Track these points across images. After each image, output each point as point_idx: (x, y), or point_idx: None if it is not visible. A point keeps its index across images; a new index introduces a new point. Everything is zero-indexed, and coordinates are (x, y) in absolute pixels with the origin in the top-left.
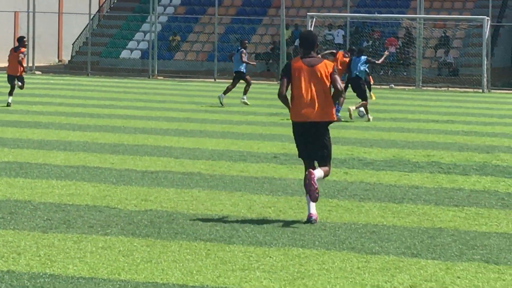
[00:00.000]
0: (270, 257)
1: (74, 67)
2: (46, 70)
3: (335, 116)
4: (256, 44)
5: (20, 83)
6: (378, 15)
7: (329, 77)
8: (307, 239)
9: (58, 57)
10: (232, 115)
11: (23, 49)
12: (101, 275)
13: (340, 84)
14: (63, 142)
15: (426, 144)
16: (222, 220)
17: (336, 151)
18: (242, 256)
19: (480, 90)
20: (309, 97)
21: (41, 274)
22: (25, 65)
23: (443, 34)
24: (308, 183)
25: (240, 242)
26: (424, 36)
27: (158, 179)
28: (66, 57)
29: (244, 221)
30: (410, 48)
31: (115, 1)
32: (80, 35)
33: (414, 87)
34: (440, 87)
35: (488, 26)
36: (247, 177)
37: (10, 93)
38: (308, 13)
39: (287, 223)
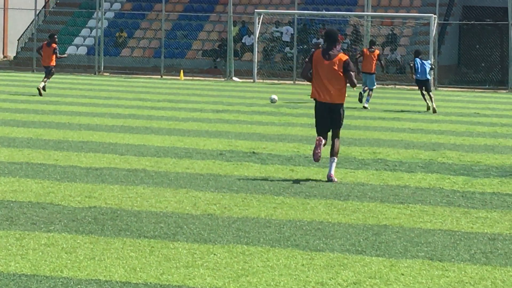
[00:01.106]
0: (215, 254)
1: (19, 63)
2: None
3: (345, 99)
4: (203, 41)
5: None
6: (326, 12)
7: (342, 69)
8: (252, 236)
9: (3, 53)
10: (178, 112)
11: (54, 45)
12: (43, 272)
13: (354, 80)
14: (7, 138)
15: (372, 141)
16: (167, 217)
17: (282, 148)
18: (186, 253)
19: None
20: (327, 84)
21: None
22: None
23: (390, 32)
24: (316, 145)
25: (184, 239)
26: (371, 34)
27: (103, 176)
28: (11, 53)
29: (188, 218)
30: (358, 45)
31: None
32: (25, 31)
33: (361, 85)
34: (387, 85)
35: (435, 24)
36: (193, 174)
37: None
38: (255, 10)
39: (232, 220)
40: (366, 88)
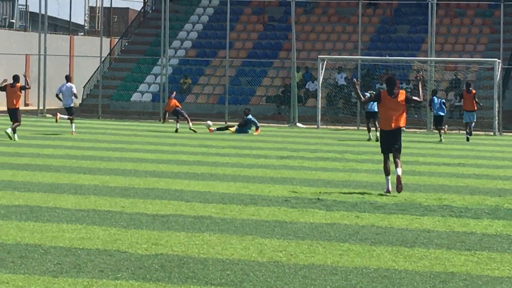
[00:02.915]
0: None
1: (85, 110)
2: (56, 112)
3: (404, 124)
4: (267, 87)
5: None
6: (389, 57)
7: (404, 101)
8: (318, 284)
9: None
10: (243, 158)
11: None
12: None
13: (417, 97)
14: (73, 185)
15: (437, 187)
16: (233, 264)
17: (347, 194)
18: None
19: (492, 133)
20: (391, 115)
21: None
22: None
23: (454, 77)
24: (397, 183)
25: (251, 287)
26: (435, 79)
27: (169, 223)
28: (77, 100)
29: (255, 265)
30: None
31: (126, 44)
32: (91, 78)
33: (425, 130)
34: (451, 130)
35: (499, 69)
36: (258, 221)
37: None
38: (319, 56)
39: (298, 268)
40: (470, 122)
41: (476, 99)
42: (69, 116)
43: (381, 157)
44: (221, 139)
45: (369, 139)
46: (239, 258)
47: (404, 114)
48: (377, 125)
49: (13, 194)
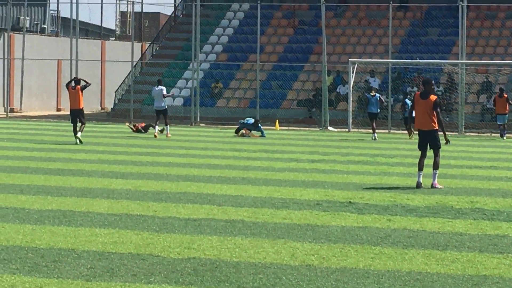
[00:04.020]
0: None
1: (116, 115)
2: (89, 117)
3: (437, 126)
4: (298, 90)
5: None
6: (420, 60)
7: (432, 106)
8: (350, 287)
9: (101, 105)
10: (274, 162)
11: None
12: None
13: (439, 119)
14: (106, 190)
15: (469, 190)
16: (265, 268)
17: (379, 197)
18: None
19: None
20: (422, 116)
21: None
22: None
23: (485, 79)
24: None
25: None
26: (466, 82)
27: (201, 227)
28: (109, 105)
29: (287, 269)
30: (453, 93)
31: (157, 49)
32: (122, 82)
33: (456, 133)
34: (483, 133)
35: None
36: (290, 224)
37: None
38: (350, 59)
39: (330, 271)
40: (504, 124)
41: (511, 101)
42: (166, 121)
43: (413, 160)
44: (252, 143)
45: (374, 139)
46: (271, 261)
47: (434, 116)
48: (375, 127)
49: (46, 199)
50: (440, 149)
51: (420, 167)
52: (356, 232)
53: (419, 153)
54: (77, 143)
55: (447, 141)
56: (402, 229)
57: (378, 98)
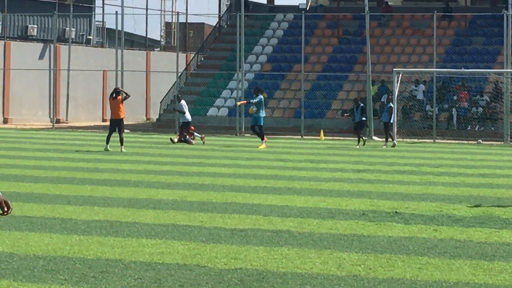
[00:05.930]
0: None
1: (162, 125)
2: (134, 128)
3: None
4: (342, 100)
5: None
6: (465, 69)
7: None
8: None
9: (146, 115)
10: (319, 172)
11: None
12: None
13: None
14: (152, 200)
15: None
16: (312, 278)
17: (425, 207)
18: None
19: None
20: None
21: None
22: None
23: None
24: None
25: None
26: (511, 91)
27: (247, 237)
28: (154, 115)
29: (334, 280)
30: (498, 103)
31: (202, 59)
32: (167, 93)
33: (502, 142)
34: None
35: None
36: (336, 235)
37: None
38: (394, 69)
39: (377, 282)
40: None
41: None
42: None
43: (459, 170)
44: (298, 153)
45: (359, 146)
46: (318, 272)
47: None
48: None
49: (93, 209)
50: None
51: None
52: (402, 242)
53: (464, 163)
54: (107, 149)
55: None
56: (449, 239)
57: (389, 107)
